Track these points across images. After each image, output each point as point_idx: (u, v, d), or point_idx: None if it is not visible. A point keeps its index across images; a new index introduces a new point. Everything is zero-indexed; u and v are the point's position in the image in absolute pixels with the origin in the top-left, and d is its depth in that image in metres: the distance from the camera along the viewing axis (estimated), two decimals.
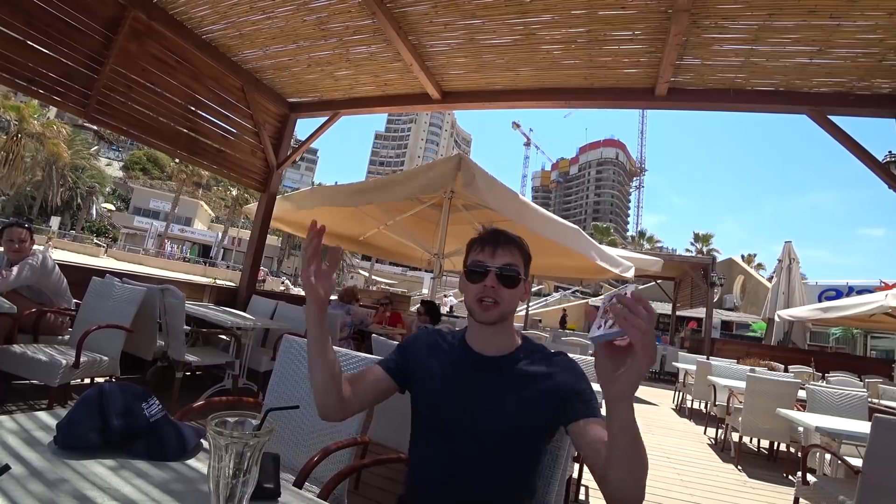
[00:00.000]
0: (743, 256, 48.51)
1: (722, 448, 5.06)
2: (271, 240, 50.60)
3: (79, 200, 46.65)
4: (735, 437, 4.67)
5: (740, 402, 4.62)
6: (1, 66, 3.20)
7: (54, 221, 41.10)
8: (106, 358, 2.99)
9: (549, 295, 37.77)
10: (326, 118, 5.39)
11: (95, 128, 66.03)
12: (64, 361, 2.66)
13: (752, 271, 25.40)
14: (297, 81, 4.90)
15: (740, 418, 4.43)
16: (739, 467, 4.38)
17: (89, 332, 2.82)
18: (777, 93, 3.69)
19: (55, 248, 28.68)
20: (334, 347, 1.73)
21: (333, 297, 6.07)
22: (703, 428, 6.01)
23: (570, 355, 3.90)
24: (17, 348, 2.77)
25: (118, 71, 3.82)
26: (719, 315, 20.32)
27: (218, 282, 6.90)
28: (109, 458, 0.85)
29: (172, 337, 3.65)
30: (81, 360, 2.73)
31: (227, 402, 1.66)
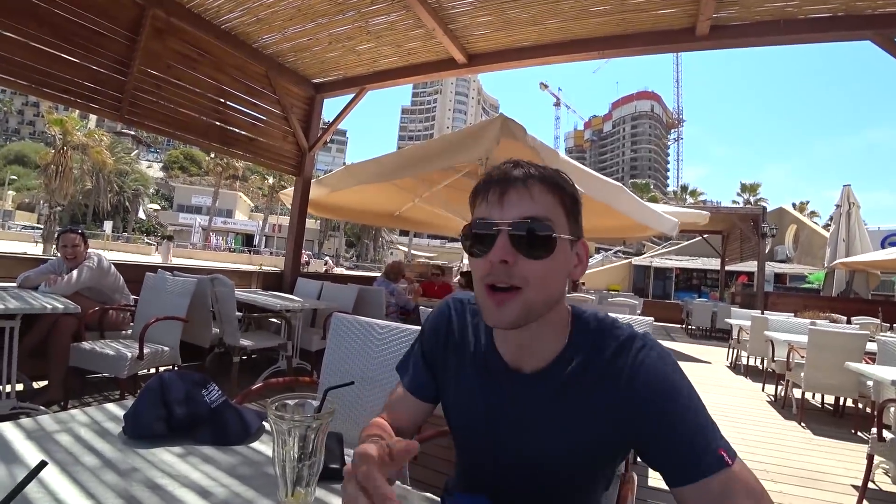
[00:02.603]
0: (794, 205, 45.92)
1: (783, 405, 4.86)
2: (310, 223, 51.55)
3: (126, 203, 49.16)
4: (797, 393, 4.47)
5: (801, 357, 4.39)
6: (36, 80, 3.31)
7: (107, 226, 43.57)
8: (167, 348, 3.13)
9: (591, 257, 37.12)
10: (353, 95, 5.33)
11: (133, 132, 68.86)
12: (129, 354, 2.81)
13: (806, 219, 23.91)
14: (320, 61, 4.84)
15: (802, 374, 4.22)
16: (803, 424, 4.20)
17: (148, 325, 2.95)
18: (835, 18, 3.32)
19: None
20: (380, 323, 1.72)
21: (378, 274, 6.13)
22: (760, 385, 5.80)
23: (622, 315, 3.73)
24: (86, 345, 2.94)
25: (145, 71, 3.88)
26: (771, 268, 19.41)
27: (264, 268, 7.12)
28: (176, 446, 0.86)
29: (226, 323, 3.78)
30: (145, 351, 2.87)
31: (284, 382, 1.68)
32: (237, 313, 3.90)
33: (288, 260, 5.75)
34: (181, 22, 3.95)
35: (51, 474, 0.71)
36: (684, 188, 61.37)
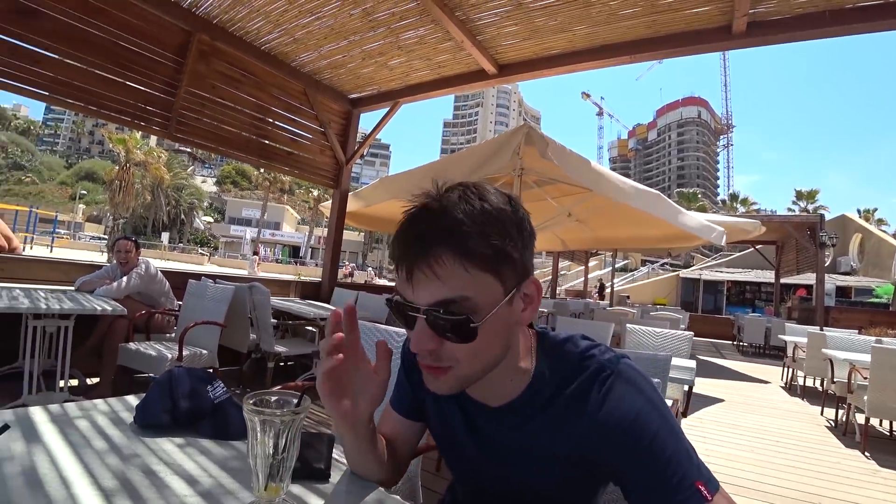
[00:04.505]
0: (859, 212, 42.77)
1: (844, 431, 4.46)
2: (354, 235, 53.27)
3: (182, 216, 52.23)
4: (860, 418, 4.11)
5: (865, 379, 4.05)
6: (94, 103, 3.63)
7: (165, 237, 46.35)
8: (205, 351, 3.28)
9: (636, 269, 35.99)
10: (388, 109, 5.47)
11: (189, 150, 73.37)
12: (170, 356, 2.97)
13: (873, 228, 22.31)
14: (355, 77, 5.00)
15: (865, 397, 3.89)
16: (867, 454, 3.83)
17: (188, 329, 3.11)
18: (887, 5, 3.06)
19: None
20: (399, 331, 1.72)
21: None
22: (819, 408, 5.38)
23: (658, 330, 3.56)
24: (132, 346, 3.13)
25: (191, 91, 4.14)
26: (833, 280, 18.13)
27: (302, 277, 7.38)
28: (179, 437, 0.91)
29: (262, 330, 3.92)
30: (184, 353, 3.02)
31: (300, 386, 1.72)
32: (273, 321, 4.04)
33: (326, 270, 5.90)
34: (224, 45, 4.20)
35: (62, 453, 0.77)
36: (735, 197, 58.37)
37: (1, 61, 3.13)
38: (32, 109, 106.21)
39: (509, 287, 0.65)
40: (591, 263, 18.15)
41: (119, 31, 3.64)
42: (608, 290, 14.60)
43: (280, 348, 3.90)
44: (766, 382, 7.20)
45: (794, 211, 42.81)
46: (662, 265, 35.71)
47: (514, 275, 0.66)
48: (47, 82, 3.35)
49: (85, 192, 65.34)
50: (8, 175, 72.71)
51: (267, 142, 4.87)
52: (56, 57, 3.36)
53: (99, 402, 1.07)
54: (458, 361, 0.65)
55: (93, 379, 3.41)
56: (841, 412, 4.77)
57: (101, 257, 30.11)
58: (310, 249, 54.27)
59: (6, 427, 0.67)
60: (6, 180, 71.24)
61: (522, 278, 0.67)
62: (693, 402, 5.00)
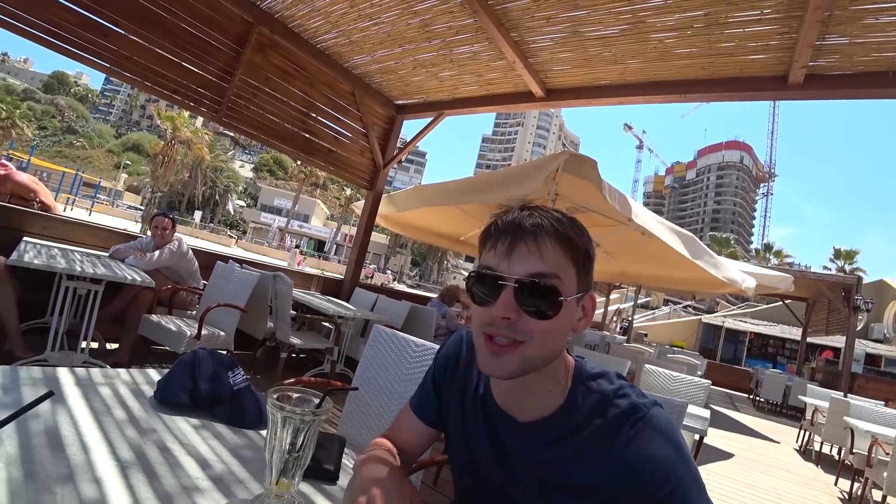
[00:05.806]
0: None
1: None
2: (379, 238, 53.74)
3: (217, 197, 53.65)
4: (877, 495, 3.91)
5: (886, 455, 3.85)
6: (152, 80, 3.77)
7: (197, 215, 47.69)
8: (223, 333, 3.34)
9: (657, 308, 35.21)
10: (431, 118, 5.51)
11: (232, 134, 75.60)
12: (189, 332, 3.03)
13: None
14: (404, 84, 5.07)
15: (885, 473, 3.69)
16: None
17: (210, 309, 3.18)
18: None
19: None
20: (416, 340, 1.73)
21: (434, 295, 6.19)
22: (833, 478, 5.15)
23: (675, 374, 3.48)
24: (154, 318, 3.21)
25: (245, 80, 4.27)
26: (863, 346, 17.33)
27: (325, 273, 7.44)
28: (195, 418, 0.92)
29: (280, 319, 3.96)
30: (203, 332, 3.08)
31: (317, 382, 1.73)
32: (292, 312, 4.08)
33: (349, 269, 5.94)
34: (282, 39, 4.32)
35: (84, 418, 0.80)
36: (769, 247, 56.60)
37: (72, 31, 3.29)
38: (93, 78, 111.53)
39: (580, 288, 0.73)
40: (613, 296, 17.82)
41: (187, 15, 3.79)
42: (628, 326, 14.29)
43: (295, 340, 3.93)
44: (778, 443, 6.92)
45: (830, 269, 41.21)
46: (685, 307, 34.89)
47: (585, 281, 0.74)
48: (111, 55, 3.49)
49: (129, 162, 68.05)
50: (61, 137, 76.30)
51: (310, 137, 4.97)
52: (123, 33, 3.51)
53: (122, 371, 1.10)
54: (532, 337, 0.69)
55: (112, 344, 3.51)
56: (857, 485, 4.53)
57: (134, 226, 31.12)
58: (335, 245, 54.95)
59: (50, 394, 0.69)
60: (58, 142, 74.74)
61: (587, 289, 0.74)
62: (702, 453, 4.83)
